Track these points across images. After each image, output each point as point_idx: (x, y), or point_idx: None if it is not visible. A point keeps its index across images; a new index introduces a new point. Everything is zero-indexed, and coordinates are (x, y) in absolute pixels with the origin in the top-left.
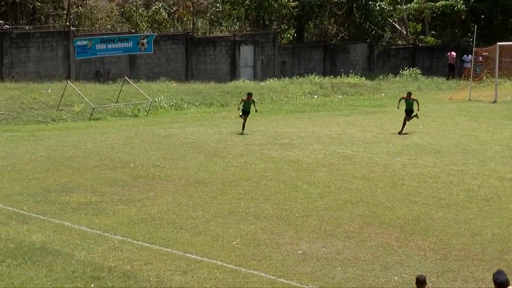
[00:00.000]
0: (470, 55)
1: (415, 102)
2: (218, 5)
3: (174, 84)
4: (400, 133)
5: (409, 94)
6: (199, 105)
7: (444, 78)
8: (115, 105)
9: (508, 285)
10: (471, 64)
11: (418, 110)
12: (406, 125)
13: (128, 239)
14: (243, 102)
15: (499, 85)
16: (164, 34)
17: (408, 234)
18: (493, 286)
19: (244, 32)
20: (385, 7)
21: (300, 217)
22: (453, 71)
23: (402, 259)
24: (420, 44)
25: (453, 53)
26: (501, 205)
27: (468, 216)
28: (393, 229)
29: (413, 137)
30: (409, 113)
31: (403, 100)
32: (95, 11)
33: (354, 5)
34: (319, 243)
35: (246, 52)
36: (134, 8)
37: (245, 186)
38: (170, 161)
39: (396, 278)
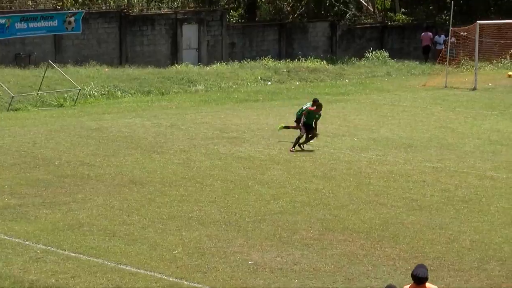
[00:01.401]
0: (442, 36)
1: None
2: None
3: (106, 69)
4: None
5: (317, 104)
6: (134, 93)
7: (417, 62)
8: (37, 94)
9: (427, 280)
10: (445, 46)
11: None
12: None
13: (53, 248)
14: (307, 113)
15: (479, 70)
16: (94, 12)
17: (375, 241)
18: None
19: (187, 9)
20: None
21: (251, 222)
22: (429, 54)
23: (368, 269)
24: (389, 23)
25: (429, 34)
26: (481, 207)
27: (444, 220)
28: (358, 236)
29: (381, 130)
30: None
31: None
32: None
33: None
34: (273, 252)
35: (190, 32)
36: None
37: (187, 187)
38: (101, 158)
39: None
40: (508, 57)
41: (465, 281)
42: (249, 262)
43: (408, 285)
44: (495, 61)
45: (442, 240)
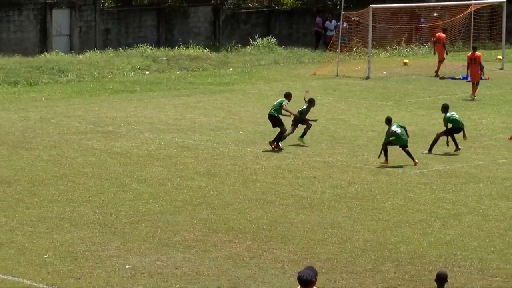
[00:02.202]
0: (334, 21)
1: None
2: None
3: None
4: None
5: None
6: (0, 84)
7: (307, 49)
8: None
9: (311, 283)
10: (336, 32)
11: None
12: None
13: None
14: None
15: (372, 58)
16: None
17: (263, 242)
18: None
19: None
20: None
21: (129, 223)
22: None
23: (255, 272)
24: (276, 7)
25: (319, 19)
26: (375, 205)
27: (336, 219)
28: (244, 236)
29: (268, 122)
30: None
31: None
32: None
33: None
34: (152, 255)
35: (60, 18)
36: None
37: (59, 186)
38: None
39: None
40: (403, 44)
41: (358, 284)
42: (127, 267)
43: None
44: (389, 48)
45: (334, 240)
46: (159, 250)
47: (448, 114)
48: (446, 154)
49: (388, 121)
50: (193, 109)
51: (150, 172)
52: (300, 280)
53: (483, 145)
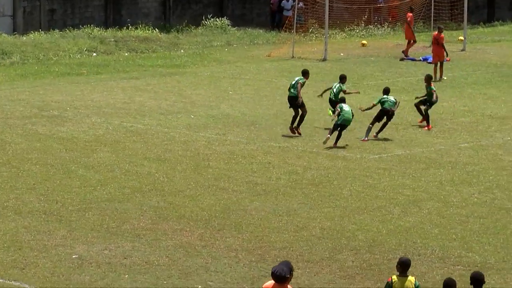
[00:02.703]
0: (290, 0)
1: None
2: None
3: None
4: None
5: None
6: None
7: (261, 30)
8: None
9: (286, 279)
10: (293, 12)
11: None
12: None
13: None
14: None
15: (329, 39)
16: None
17: (215, 230)
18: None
19: None
20: None
21: (75, 211)
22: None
23: (208, 262)
24: None
25: None
26: (332, 191)
27: (292, 206)
28: (196, 224)
29: (221, 106)
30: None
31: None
32: None
33: None
34: (100, 244)
35: None
36: None
37: (2, 173)
38: None
39: (200, 286)
40: (361, 24)
41: (315, 273)
42: (73, 256)
43: (269, 282)
44: (347, 29)
45: (289, 228)
46: (107, 239)
47: (384, 96)
48: (407, 138)
49: (386, 91)
50: (142, 93)
51: (97, 158)
52: (274, 275)
53: (444, 129)
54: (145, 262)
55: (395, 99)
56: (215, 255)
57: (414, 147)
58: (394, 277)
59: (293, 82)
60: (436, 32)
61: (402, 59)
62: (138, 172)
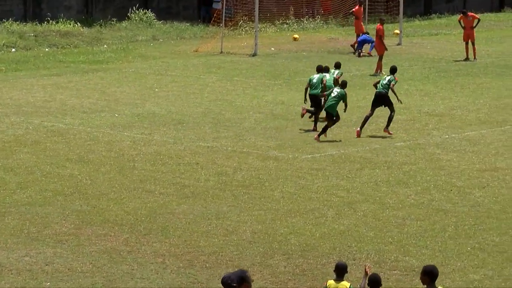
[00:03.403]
0: None
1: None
2: None
3: None
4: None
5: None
6: None
7: (188, 24)
8: None
9: (232, 287)
10: (222, 4)
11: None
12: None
13: None
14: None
15: (260, 33)
16: None
17: (141, 235)
18: None
19: None
20: None
21: None
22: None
23: (133, 268)
24: None
25: None
26: (263, 193)
27: (221, 209)
28: (121, 229)
29: (146, 104)
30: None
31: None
32: None
33: None
34: (20, 250)
35: None
36: None
37: None
38: None
39: None
40: (293, 17)
41: None
42: None
43: None
44: (278, 22)
45: (219, 232)
46: (28, 244)
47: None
48: (341, 137)
49: (393, 70)
50: (64, 90)
51: (17, 159)
52: (222, 283)
53: (379, 127)
54: (68, 269)
55: (390, 79)
56: (141, 261)
57: (348, 146)
58: (330, 282)
59: (315, 81)
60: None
61: (356, 54)
62: (60, 174)
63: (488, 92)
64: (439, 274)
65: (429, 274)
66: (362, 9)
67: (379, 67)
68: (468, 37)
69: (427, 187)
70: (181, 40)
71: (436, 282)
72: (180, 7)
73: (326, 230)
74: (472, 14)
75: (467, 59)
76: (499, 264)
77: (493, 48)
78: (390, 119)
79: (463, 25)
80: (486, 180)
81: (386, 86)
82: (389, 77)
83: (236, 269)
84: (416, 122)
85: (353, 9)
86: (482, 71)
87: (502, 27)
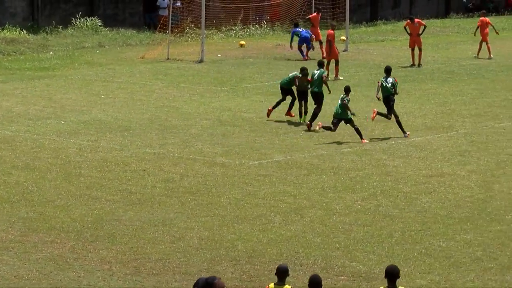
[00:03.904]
0: (164, 0)
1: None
2: None
3: None
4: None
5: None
6: None
7: (134, 31)
8: None
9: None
10: (168, 11)
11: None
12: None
13: None
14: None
15: (206, 39)
16: None
17: (88, 242)
18: None
19: None
20: None
21: None
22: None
23: (80, 275)
24: None
25: None
26: (210, 199)
27: (168, 216)
28: (68, 236)
29: (93, 111)
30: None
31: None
32: None
33: None
34: None
35: None
36: None
37: None
38: None
39: None
40: (239, 24)
41: (192, 285)
42: None
43: None
44: (224, 29)
45: (166, 238)
46: None
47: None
48: (287, 143)
49: (387, 70)
50: (9, 97)
51: None
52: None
53: (326, 134)
54: (14, 276)
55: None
56: (88, 268)
57: (295, 152)
58: (271, 286)
59: (316, 78)
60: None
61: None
62: (6, 181)
63: (434, 98)
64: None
65: (387, 275)
66: (319, 17)
67: (337, 72)
68: (415, 43)
69: (373, 192)
70: (127, 47)
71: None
72: (126, 14)
73: (273, 236)
74: (419, 20)
75: (413, 65)
76: (446, 269)
77: (439, 54)
78: (315, 114)
79: (409, 32)
80: (432, 185)
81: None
82: (317, 72)
83: (183, 276)
84: (363, 128)
85: (310, 16)
86: (428, 77)
87: (448, 33)
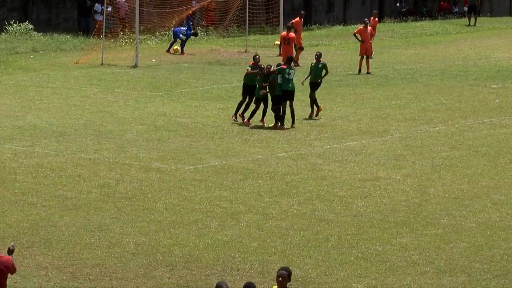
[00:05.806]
0: (100, 5)
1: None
2: None
3: None
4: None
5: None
6: None
7: (68, 36)
8: None
9: None
10: (102, 16)
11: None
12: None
13: None
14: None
15: (140, 44)
16: None
17: (24, 247)
18: None
19: None
20: None
21: None
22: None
23: (16, 281)
24: None
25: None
26: (146, 205)
27: (104, 221)
28: (3, 242)
29: (27, 117)
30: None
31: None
32: None
33: None
34: None
35: None
36: None
37: None
38: None
39: None
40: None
41: None
42: None
43: None
44: (159, 34)
45: (102, 244)
46: None
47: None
48: (223, 148)
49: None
50: None
51: None
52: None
53: (261, 138)
54: None
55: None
56: (24, 274)
57: (230, 157)
58: None
59: (292, 76)
60: (285, 32)
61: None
62: None
63: (369, 103)
64: (323, 284)
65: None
66: (302, 22)
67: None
68: (366, 50)
69: (309, 197)
70: (61, 52)
71: None
72: (60, 19)
73: (209, 241)
74: (371, 28)
75: (359, 72)
76: (382, 273)
77: (373, 58)
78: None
79: (360, 39)
80: (368, 189)
81: None
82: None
83: (120, 281)
84: (298, 133)
85: (293, 21)
86: (362, 81)
87: (382, 38)
